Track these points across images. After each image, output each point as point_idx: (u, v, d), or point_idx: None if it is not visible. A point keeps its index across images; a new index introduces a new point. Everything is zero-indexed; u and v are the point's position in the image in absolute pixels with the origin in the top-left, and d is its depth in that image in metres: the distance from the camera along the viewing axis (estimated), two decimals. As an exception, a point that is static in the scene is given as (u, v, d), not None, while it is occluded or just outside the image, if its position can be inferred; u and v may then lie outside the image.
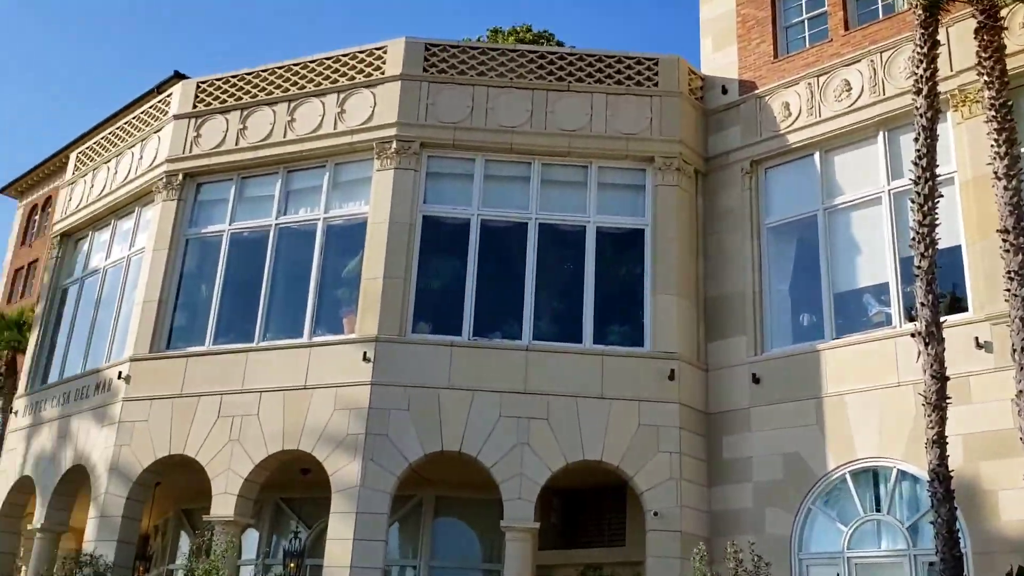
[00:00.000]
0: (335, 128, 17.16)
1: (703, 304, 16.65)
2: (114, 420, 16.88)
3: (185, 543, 21.17)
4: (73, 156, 22.22)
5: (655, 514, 14.66)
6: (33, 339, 21.02)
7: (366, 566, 14.26)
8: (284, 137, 17.54)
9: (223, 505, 15.51)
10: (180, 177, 18.17)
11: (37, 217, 41.33)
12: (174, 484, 18.10)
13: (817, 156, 16.35)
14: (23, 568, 22.33)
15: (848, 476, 14.25)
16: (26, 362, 21.11)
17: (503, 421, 15.10)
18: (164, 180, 18.22)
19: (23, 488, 19.27)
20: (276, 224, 17.36)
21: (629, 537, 16.64)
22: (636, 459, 15.03)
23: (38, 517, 18.02)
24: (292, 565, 16.78)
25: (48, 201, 40.38)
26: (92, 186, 20.75)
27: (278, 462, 15.90)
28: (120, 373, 17.12)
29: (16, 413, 20.37)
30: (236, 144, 17.85)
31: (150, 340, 17.18)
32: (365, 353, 15.37)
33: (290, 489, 18.06)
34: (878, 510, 13.97)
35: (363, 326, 15.74)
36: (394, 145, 16.51)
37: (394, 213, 16.18)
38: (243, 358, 16.41)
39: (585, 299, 16.10)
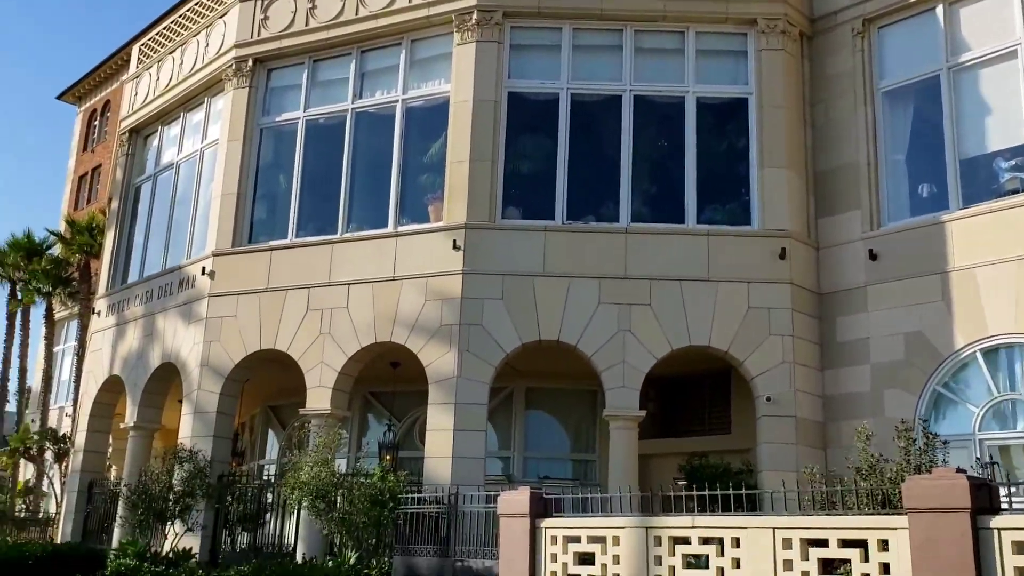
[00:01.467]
0: (410, 1, 16.03)
1: (812, 178, 15.51)
2: (201, 317, 16.58)
3: (273, 439, 21.25)
4: (136, 49, 21.47)
5: (768, 399, 13.95)
6: (110, 239, 20.76)
7: (468, 456, 13.87)
8: (356, 14, 16.47)
9: (319, 398, 15.20)
10: (249, 63, 17.33)
11: (97, 122, 40.99)
12: (261, 381, 17.91)
13: (940, 9, 14.79)
14: (112, 467, 22.78)
15: (979, 354, 13.29)
16: (104, 262, 20.91)
17: (603, 308, 14.37)
18: (233, 67, 17.40)
19: (111, 387, 19.31)
20: (353, 108, 16.49)
21: (735, 424, 16.02)
22: (746, 343, 14.24)
23: (130, 415, 18.03)
24: (388, 457, 16.54)
25: (107, 105, 39.94)
26: (158, 79, 20.03)
27: (370, 354, 15.46)
28: (204, 269, 16.73)
29: (99, 313, 20.28)
30: (306, 24, 16.86)
31: (231, 234, 16.70)
32: (455, 241, 14.65)
33: (379, 383, 17.74)
34: (1012, 389, 13.05)
35: (451, 213, 14.98)
36: (475, 16, 15.36)
37: (478, 90, 15.16)
38: (328, 250, 15.84)
39: (686, 176, 15.07)
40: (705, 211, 14.99)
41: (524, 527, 9.63)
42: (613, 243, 14.70)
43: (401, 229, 15.50)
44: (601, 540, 9.10)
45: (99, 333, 19.99)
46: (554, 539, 9.57)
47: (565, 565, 9.41)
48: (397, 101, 16.10)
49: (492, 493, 11.68)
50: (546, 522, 9.68)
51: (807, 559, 7.62)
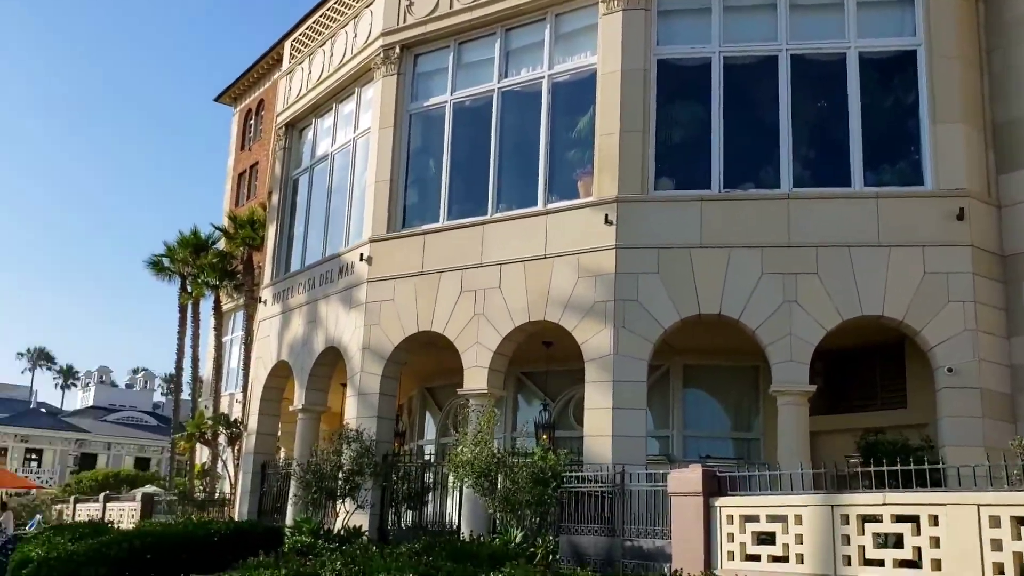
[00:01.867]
0: (553, -25, 15.80)
1: (991, 131, 14.34)
2: (361, 302, 17.00)
3: (430, 420, 21.66)
4: (287, 45, 22.21)
5: (949, 371, 13.02)
6: (271, 231, 21.62)
7: (628, 435, 13.61)
8: (499, -7, 16.39)
9: (475, 378, 15.30)
10: (397, 50, 17.57)
11: (252, 121, 42.91)
12: (417, 363, 18.21)
13: None
14: (281, 448, 23.81)
15: None
16: (267, 253, 21.80)
17: (766, 279, 13.77)
18: (381, 55, 17.69)
19: (279, 372, 20.13)
20: (498, 88, 16.45)
21: (911, 398, 15.07)
22: (922, 311, 13.33)
23: (298, 399, 18.74)
24: (545, 437, 16.49)
25: (261, 104, 41.76)
26: (310, 72, 20.66)
27: (523, 334, 15.43)
28: (361, 255, 17.14)
29: (264, 302, 21.17)
30: (450, 7, 16.92)
31: (386, 220, 17.03)
32: (606, 216, 14.38)
33: (531, 363, 17.71)
34: None
35: (601, 187, 14.71)
36: (620, -16, 14.97)
37: (625, 60, 14.79)
38: (479, 232, 15.90)
39: (851, 136, 14.21)
40: (872, 172, 14.12)
41: (697, 506, 9.32)
42: (774, 210, 14.07)
43: (551, 206, 15.35)
44: (782, 519, 8.68)
45: (266, 321, 20.88)
46: (730, 518, 9.22)
47: (743, 545, 9.05)
48: (543, 77, 15.93)
49: (658, 471, 11.40)
50: (721, 500, 9.33)
51: (1020, 538, 6.97)
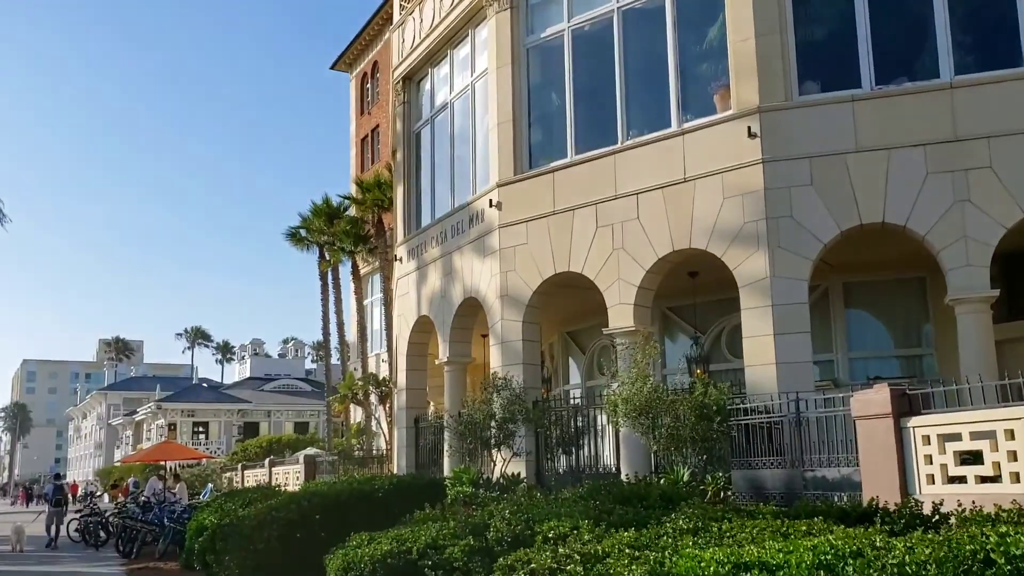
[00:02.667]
0: None
1: None
2: (494, 249, 16.63)
3: (573, 365, 21.27)
4: (396, -2, 21.84)
5: None
6: (400, 189, 21.50)
7: (793, 360, 12.73)
8: (611, -93, 15.39)
9: (621, 316, 14.70)
10: (508, -17, 16.86)
11: (369, 85, 43.13)
12: (555, 308, 17.77)
13: None
14: (431, 403, 24.01)
15: None
16: (398, 211, 21.74)
17: (932, 179, 12.52)
18: (492, -9, 17.03)
19: (422, 328, 20.11)
20: (618, 7, 15.51)
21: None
22: (1122, 196, 11.82)
23: (443, 352, 18.65)
24: (699, 371, 15.80)
25: (375, 67, 41.89)
26: (421, 21, 20.24)
27: (668, 265, 14.69)
28: (491, 201, 16.74)
29: (400, 259, 21.15)
30: (560, -70, 16.06)
31: (512, 162, 16.52)
32: (749, 128, 13.37)
33: (676, 297, 16.95)
34: None
35: (740, 97, 13.69)
36: None
37: (755, -41, 13.59)
38: (610, 162, 15.16)
39: (1019, 8, 12.64)
40: (1049, 47, 12.53)
41: (888, 428, 8.49)
42: (935, 103, 12.73)
43: (686, 126, 14.44)
44: (989, 435, 7.75)
45: (404, 278, 20.87)
46: (926, 439, 8.35)
47: (944, 467, 8.18)
48: (665, -11, 14.89)
49: (837, 395, 10.53)
50: (914, 420, 8.46)
51: None
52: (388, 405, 33.58)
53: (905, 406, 8.56)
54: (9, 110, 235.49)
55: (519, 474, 14.74)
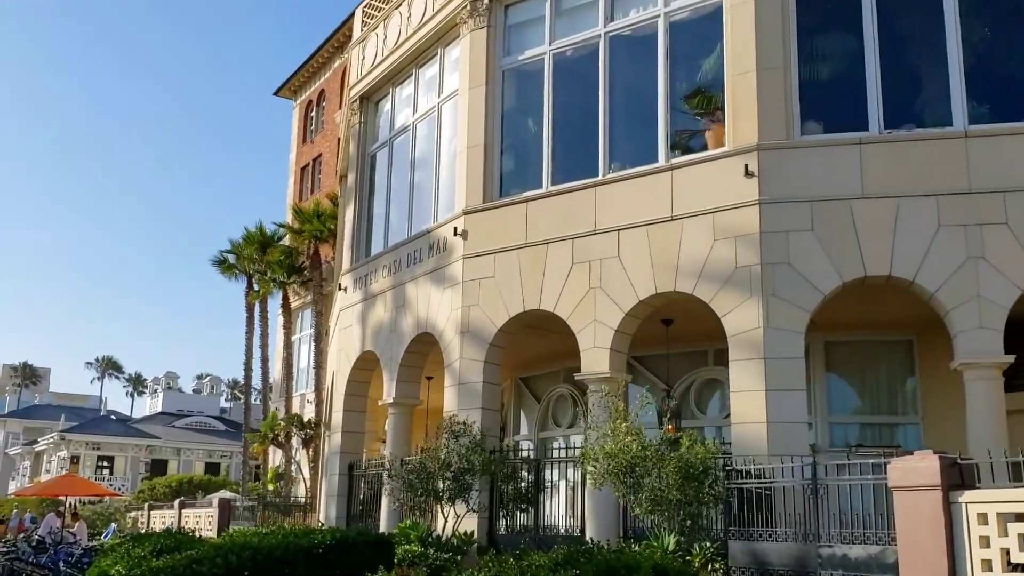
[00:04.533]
0: (666, -101, 13.82)
1: None
2: (456, 280, 15.22)
3: (525, 415, 19.89)
4: (359, 11, 20.58)
5: None
6: (350, 213, 19.98)
7: (787, 420, 11.57)
8: (602, -74, 14.46)
9: (595, 361, 13.39)
10: (485, 1, 15.72)
11: (313, 112, 41.66)
12: (510, 352, 16.31)
13: None
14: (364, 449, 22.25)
15: None
16: (345, 236, 20.18)
17: (944, 232, 11.64)
18: (468, 8, 15.89)
19: (364, 365, 18.48)
20: (605, 33, 14.50)
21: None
22: None
23: (388, 392, 17.03)
24: (670, 427, 14.52)
25: (322, 95, 40.46)
26: (385, 37, 18.94)
27: (649, 308, 13.49)
28: (455, 229, 15.36)
29: (345, 289, 19.54)
30: (547, -53, 15.05)
31: (481, 189, 15.22)
32: (746, 166, 12.36)
33: (644, 346, 15.69)
34: None
35: (737, 134, 12.70)
36: (748, -99, 12.90)
37: (760, -13, 12.72)
38: (590, 195, 13.99)
39: (1038, 60, 12.01)
40: (1072, 101, 11.88)
41: (935, 503, 7.30)
42: (949, 151, 11.91)
43: (676, 161, 13.37)
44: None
45: (347, 310, 19.23)
46: (983, 517, 7.16)
47: (1005, 552, 6.98)
48: (658, 16, 13.92)
49: (865, 462, 9.30)
50: (968, 495, 7.28)
51: None
52: (311, 449, 31.48)
53: (956, 477, 7.39)
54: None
55: (471, 533, 13.16)
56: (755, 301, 12.04)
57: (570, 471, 14.85)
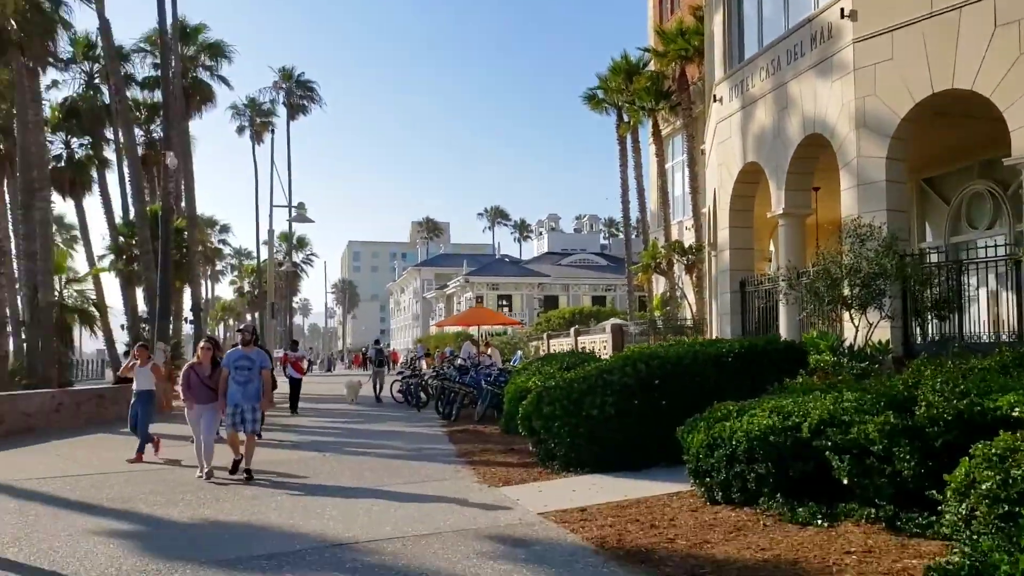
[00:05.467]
0: None
1: None
2: (847, 69, 13.57)
3: (931, 220, 17.82)
4: None
5: None
6: (718, 18, 18.67)
7: None
8: None
9: (1031, 140, 11.25)
10: None
11: (664, -73, 39.47)
12: (910, 149, 14.36)
13: None
14: (772, 254, 21.57)
15: None
16: (716, 45, 18.96)
17: None
18: None
19: (747, 177, 17.54)
20: None
21: None
22: None
23: (776, 203, 16.04)
24: None
25: (670, -94, 38.08)
26: None
27: (1102, 70, 10.93)
28: (843, 11, 13.58)
29: (719, 100, 18.52)
30: None
31: (871, -42, 13.17)
32: None
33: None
34: None
35: None
36: None
37: None
38: (1015, -62, 11.42)
39: None
40: None
41: None
42: None
43: None
44: None
45: (724, 122, 18.26)
46: None
47: None
48: None
49: None
50: None
51: None
52: (694, 274, 31.48)
53: None
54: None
55: (886, 342, 12.10)
56: None
57: (991, 277, 13.04)
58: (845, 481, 6.14)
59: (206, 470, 10.71)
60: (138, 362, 13.32)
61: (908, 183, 16.90)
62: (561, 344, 33.32)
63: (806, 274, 13.39)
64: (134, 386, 13.29)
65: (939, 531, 5.48)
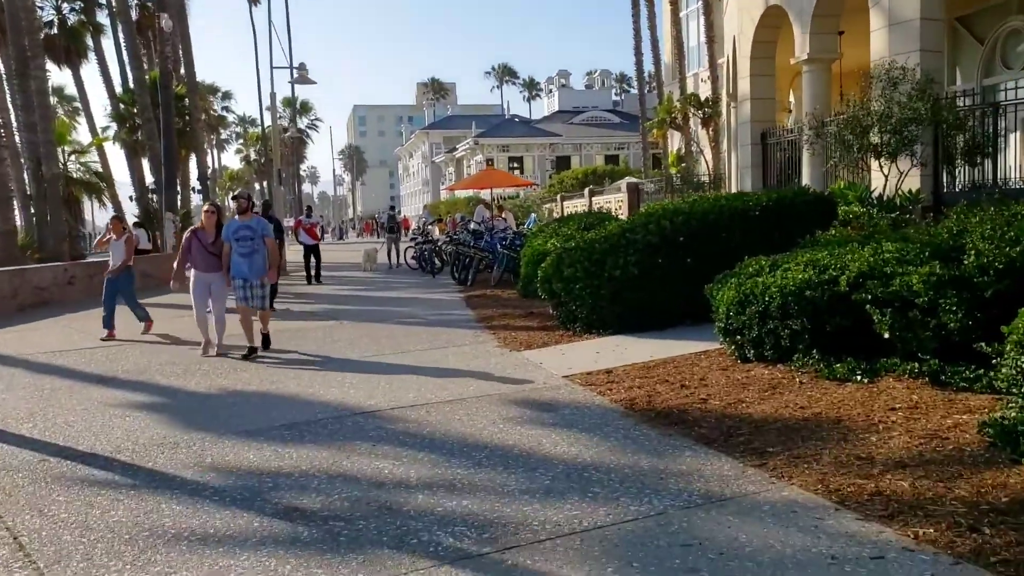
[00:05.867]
0: None
1: None
2: None
3: (964, 61, 16.97)
4: None
5: None
6: None
7: None
8: None
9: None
10: None
11: None
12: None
13: None
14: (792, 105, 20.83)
15: None
16: None
17: None
18: None
19: (769, 21, 16.64)
20: None
21: None
22: None
23: (800, 47, 15.23)
24: None
25: None
26: None
27: None
28: None
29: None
30: None
31: None
32: None
33: None
34: None
35: None
36: None
37: None
38: None
39: None
40: None
41: None
42: None
43: None
44: None
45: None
46: None
47: None
48: None
49: None
50: None
51: None
52: (711, 128, 30.61)
53: None
54: None
55: (916, 191, 11.64)
56: None
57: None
58: (886, 335, 5.86)
59: (216, 347, 10.05)
60: (113, 236, 12.24)
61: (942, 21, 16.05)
62: (575, 205, 32.81)
63: (832, 123, 12.81)
64: (110, 262, 12.26)
65: (988, 385, 5.24)
